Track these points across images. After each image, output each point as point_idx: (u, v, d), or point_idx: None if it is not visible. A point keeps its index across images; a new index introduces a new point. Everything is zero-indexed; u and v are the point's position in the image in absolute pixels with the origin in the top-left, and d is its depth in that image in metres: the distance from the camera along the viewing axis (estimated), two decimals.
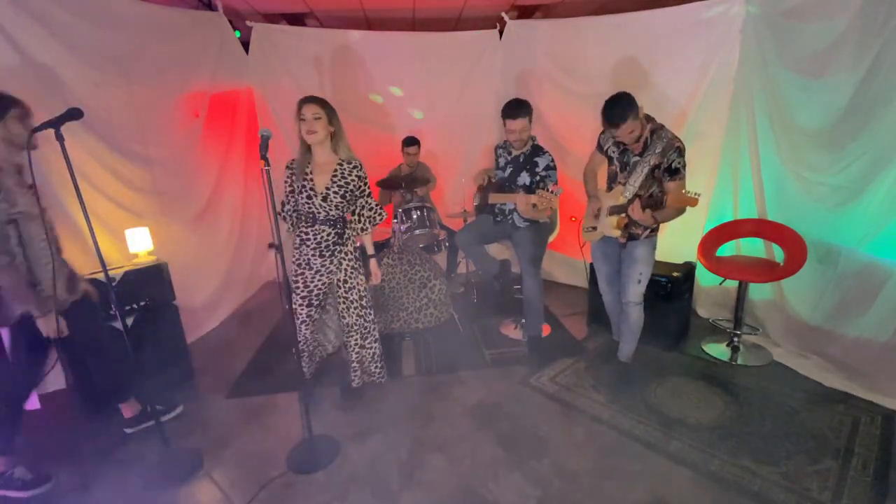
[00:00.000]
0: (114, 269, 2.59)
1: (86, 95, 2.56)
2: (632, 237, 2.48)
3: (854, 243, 2.55)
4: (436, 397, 2.62)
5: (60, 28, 2.49)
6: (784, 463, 2.01)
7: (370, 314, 2.51)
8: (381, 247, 3.71)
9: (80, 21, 2.57)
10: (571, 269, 4.23)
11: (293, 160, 2.28)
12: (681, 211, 2.28)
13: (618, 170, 2.49)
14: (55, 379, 2.65)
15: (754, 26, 2.92)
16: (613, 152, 2.50)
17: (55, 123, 1.68)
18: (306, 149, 2.23)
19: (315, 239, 2.29)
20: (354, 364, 2.53)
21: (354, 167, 2.27)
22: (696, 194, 2.12)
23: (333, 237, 2.29)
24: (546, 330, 3.31)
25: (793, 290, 2.90)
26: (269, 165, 1.85)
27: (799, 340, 2.87)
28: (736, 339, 2.95)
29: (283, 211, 2.36)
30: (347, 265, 2.36)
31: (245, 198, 4.02)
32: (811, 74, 2.64)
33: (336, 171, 2.23)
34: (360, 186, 2.30)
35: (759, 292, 3.15)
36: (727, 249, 3.14)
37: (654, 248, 2.50)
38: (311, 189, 2.21)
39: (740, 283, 2.89)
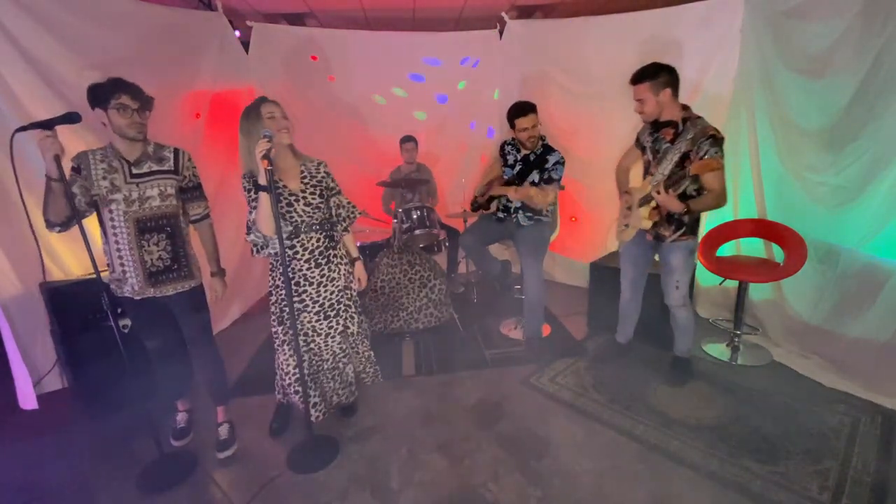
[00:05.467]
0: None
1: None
2: (658, 238, 2.44)
3: (854, 243, 2.55)
4: (436, 397, 2.62)
5: (61, 28, 2.48)
6: (784, 463, 2.01)
7: (364, 319, 2.42)
8: (380, 247, 3.71)
9: (80, 21, 2.57)
10: (571, 270, 4.23)
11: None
12: (720, 200, 2.20)
13: (650, 159, 2.44)
14: (55, 379, 2.65)
15: (754, 26, 2.91)
16: (647, 141, 2.46)
17: (45, 125, 1.66)
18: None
19: (306, 249, 2.09)
20: (351, 376, 2.39)
21: (320, 163, 2.15)
22: (717, 155, 2.12)
23: (325, 241, 2.13)
24: (546, 330, 3.31)
25: (793, 290, 2.90)
26: (272, 165, 1.82)
27: (799, 340, 2.87)
28: (736, 339, 2.94)
29: (250, 233, 2.07)
30: (345, 269, 2.22)
31: None
32: (811, 74, 2.64)
33: (302, 170, 2.09)
34: (328, 183, 2.15)
35: (759, 292, 3.15)
36: (727, 249, 3.14)
37: (690, 252, 2.42)
38: (290, 194, 2.04)
39: (740, 283, 2.88)
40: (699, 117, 2.29)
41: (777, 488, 1.88)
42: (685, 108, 2.33)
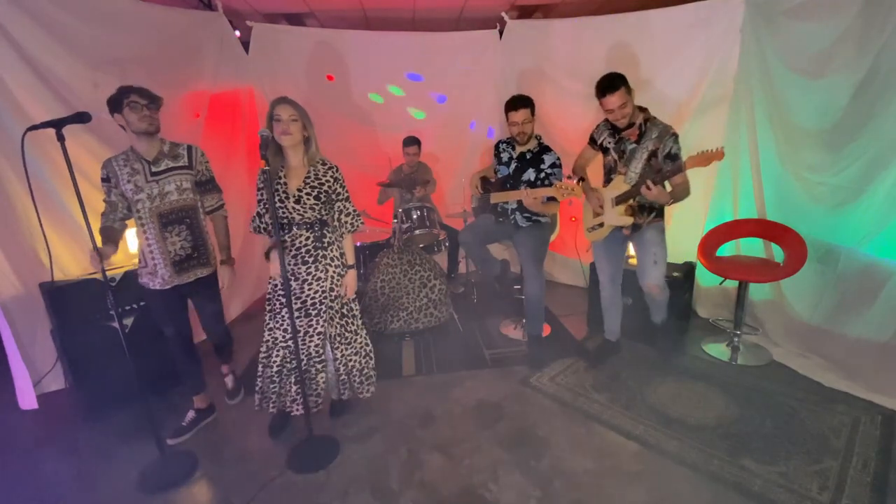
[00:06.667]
0: (114, 269, 2.60)
1: (85, 96, 2.56)
2: (634, 227, 2.56)
3: (854, 243, 2.55)
4: (436, 397, 2.62)
5: (60, 28, 2.49)
6: (784, 463, 2.01)
7: (354, 324, 2.34)
8: (380, 247, 3.71)
9: (79, 21, 2.57)
10: (571, 270, 4.24)
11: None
12: (688, 190, 2.39)
13: (615, 159, 2.54)
14: (55, 379, 2.65)
15: (754, 26, 2.91)
16: (609, 143, 2.56)
17: (56, 124, 1.68)
18: (278, 151, 2.10)
19: (293, 245, 2.14)
20: (343, 377, 2.36)
21: (329, 168, 2.16)
22: (716, 149, 2.17)
23: (311, 241, 2.15)
24: (546, 330, 3.32)
25: (793, 290, 2.91)
26: (269, 166, 1.86)
27: (799, 340, 2.87)
28: (736, 339, 2.95)
29: (258, 223, 2.18)
30: (333, 272, 2.20)
31: (250, 199, 4.00)
32: (811, 74, 2.64)
33: (310, 172, 2.12)
34: (335, 189, 2.16)
35: (759, 292, 3.15)
36: (727, 249, 3.14)
37: (661, 231, 2.57)
38: (284, 192, 2.09)
39: (740, 283, 2.88)
40: (655, 117, 2.44)
41: (777, 488, 1.88)
42: (643, 109, 2.47)
